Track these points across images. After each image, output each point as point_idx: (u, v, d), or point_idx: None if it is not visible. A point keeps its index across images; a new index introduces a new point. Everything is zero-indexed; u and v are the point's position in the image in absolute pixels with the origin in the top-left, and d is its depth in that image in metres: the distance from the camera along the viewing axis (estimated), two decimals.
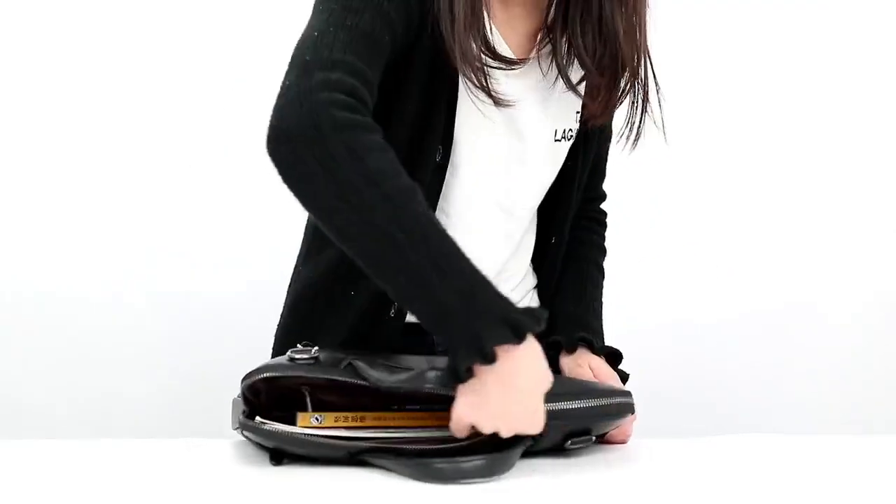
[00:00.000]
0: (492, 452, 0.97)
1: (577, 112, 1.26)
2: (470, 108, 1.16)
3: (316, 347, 1.05)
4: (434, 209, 1.19)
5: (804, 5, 2.14)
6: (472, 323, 0.94)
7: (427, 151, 1.16)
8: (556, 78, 1.20)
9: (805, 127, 2.15)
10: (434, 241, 0.96)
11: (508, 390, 0.95)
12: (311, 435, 1.00)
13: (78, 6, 2.01)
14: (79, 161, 2.02)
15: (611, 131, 1.33)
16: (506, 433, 0.96)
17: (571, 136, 1.27)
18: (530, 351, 0.97)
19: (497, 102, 1.15)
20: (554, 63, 1.20)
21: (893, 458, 1.09)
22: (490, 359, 0.93)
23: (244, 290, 1.96)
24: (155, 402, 2.00)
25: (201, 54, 2.00)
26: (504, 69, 1.16)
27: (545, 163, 1.26)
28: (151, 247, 2.02)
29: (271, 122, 0.98)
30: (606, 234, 1.45)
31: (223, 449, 1.12)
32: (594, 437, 1.08)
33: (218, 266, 1.97)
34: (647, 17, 1.20)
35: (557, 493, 0.92)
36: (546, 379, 0.99)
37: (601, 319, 1.36)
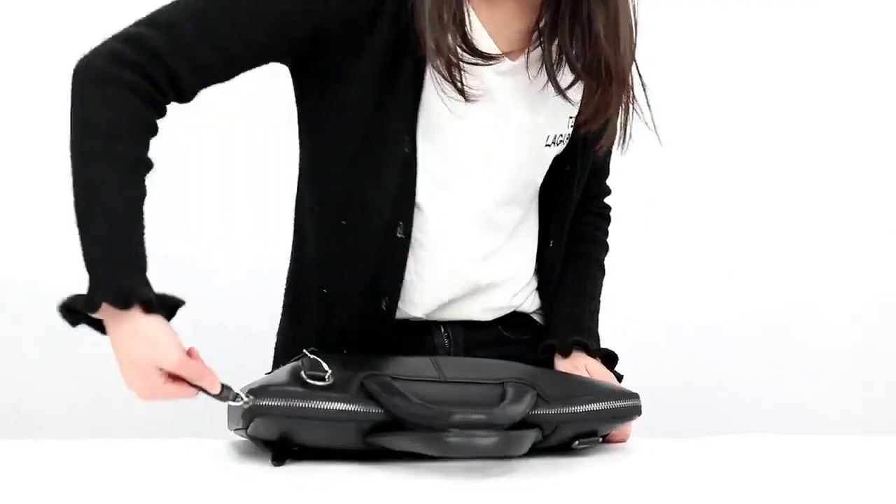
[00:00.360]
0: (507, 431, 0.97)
1: (571, 118, 1.25)
2: (437, 102, 1.15)
3: (329, 372, 1.02)
4: (409, 203, 1.18)
5: (799, 4, 2.14)
6: (109, 274, 1.09)
7: (393, 141, 1.16)
8: (547, 82, 1.19)
9: (804, 126, 2.15)
10: (109, 204, 1.14)
11: (116, 349, 1.06)
12: (323, 409, 0.99)
13: (78, 6, 2.00)
14: None
15: (615, 129, 1.33)
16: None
17: (562, 141, 1.26)
18: (137, 322, 1.04)
19: (466, 98, 1.15)
20: (543, 67, 1.19)
21: (893, 458, 1.09)
22: (92, 306, 1.04)
23: (245, 290, 1.96)
24: (155, 403, 2.00)
25: None
26: (482, 65, 1.15)
27: (529, 164, 1.25)
28: (151, 246, 2.01)
29: None
30: (610, 228, 1.44)
31: (223, 449, 1.12)
32: (601, 438, 1.09)
33: (218, 266, 1.97)
34: (636, 21, 1.19)
35: (557, 493, 0.92)
36: (150, 356, 1.03)
37: (597, 320, 1.35)
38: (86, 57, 1.14)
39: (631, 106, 1.22)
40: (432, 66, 1.13)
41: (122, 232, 1.11)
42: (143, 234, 1.12)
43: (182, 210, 2.02)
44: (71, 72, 1.13)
